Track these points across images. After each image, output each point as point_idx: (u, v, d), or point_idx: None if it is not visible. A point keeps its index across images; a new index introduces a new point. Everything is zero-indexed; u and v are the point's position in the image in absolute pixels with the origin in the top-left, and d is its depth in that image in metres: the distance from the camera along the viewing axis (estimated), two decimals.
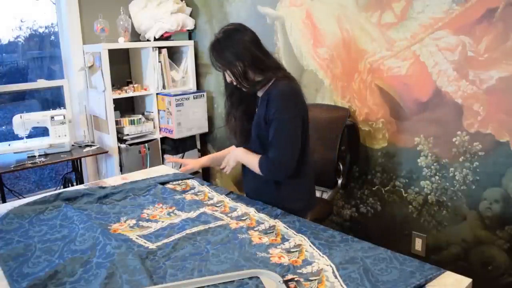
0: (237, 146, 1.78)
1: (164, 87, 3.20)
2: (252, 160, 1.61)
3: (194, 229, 1.39)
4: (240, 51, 1.54)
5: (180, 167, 1.89)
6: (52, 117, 2.72)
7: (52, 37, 3.23)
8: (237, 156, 1.68)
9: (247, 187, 1.77)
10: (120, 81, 3.17)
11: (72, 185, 2.91)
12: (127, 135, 3.06)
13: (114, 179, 1.97)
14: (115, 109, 2.99)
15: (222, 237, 1.34)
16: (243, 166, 1.73)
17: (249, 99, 1.68)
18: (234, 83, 1.59)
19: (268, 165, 1.54)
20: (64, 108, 3.06)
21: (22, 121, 2.64)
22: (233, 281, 1.10)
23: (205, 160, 1.90)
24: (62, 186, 3.05)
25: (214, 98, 3.36)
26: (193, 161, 1.91)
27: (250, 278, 1.11)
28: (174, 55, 3.37)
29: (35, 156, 2.66)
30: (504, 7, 1.75)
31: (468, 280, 1.09)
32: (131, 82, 3.21)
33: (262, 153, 1.59)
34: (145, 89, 3.19)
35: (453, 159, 2.02)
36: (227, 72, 1.58)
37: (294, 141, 1.53)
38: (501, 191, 1.89)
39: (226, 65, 1.56)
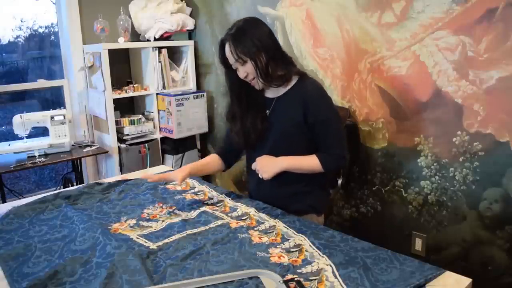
0: (249, 148, 1.67)
1: (164, 87, 3.20)
2: (307, 161, 1.55)
3: (195, 229, 1.39)
4: (264, 41, 1.47)
5: (165, 184, 1.81)
6: (52, 117, 2.72)
7: (52, 37, 3.23)
8: (281, 165, 1.53)
9: (270, 196, 1.62)
10: (120, 81, 3.17)
11: (72, 185, 2.91)
12: (127, 135, 3.06)
13: (113, 179, 1.97)
14: (115, 109, 2.98)
15: (222, 236, 1.34)
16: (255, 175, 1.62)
17: (258, 98, 1.62)
18: (250, 78, 1.52)
19: (336, 160, 1.58)
20: (64, 108, 3.06)
21: (22, 121, 2.64)
22: (233, 281, 1.10)
23: (187, 172, 1.65)
24: (62, 186, 3.05)
25: (214, 98, 3.36)
26: (176, 175, 1.63)
27: (250, 278, 1.11)
28: (174, 55, 3.37)
29: (35, 156, 2.66)
30: (504, 7, 1.75)
31: (468, 280, 1.09)
32: (131, 82, 3.20)
33: (288, 153, 1.56)
34: (145, 89, 3.19)
35: (453, 159, 2.02)
36: (247, 63, 1.48)
37: (344, 135, 1.62)
38: (501, 191, 1.89)
39: (250, 55, 1.46)
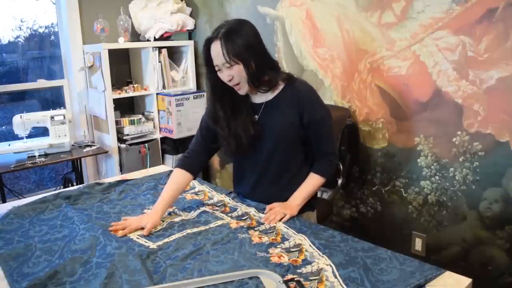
0: (242, 154, 1.59)
1: (164, 87, 3.20)
2: (310, 184, 1.57)
3: (195, 229, 1.39)
4: (255, 44, 1.45)
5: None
6: (52, 117, 2.72)
7: (52, 37, 3.23)
8: (296, 203, 1.53)
9: (267, 202, 1.56)
10: (120, 81, 3.17)
11: (72, 185, 2.91)
12: (127, 135, 3.06)
13: (113, 179, 1.97)
14: (115, 109, 2.98)
15: (222, 236, 1.34)
16: (257, 180, 1.61)
17: (245, 103, 1.56)
18: (234, 82, 1.46)
19: (329, 164, 1.61)
20: (64, 108, 3.07)
21: (22, 121, 2.64)
22: (233, 281, 1.10)
23: (158, 216, 1.46)
24: (62, 186, 3.05)
25: None
26: (151, 219, 1.43)
27: (250, 278, 1.11)
28: (174, 55, 3.37)
29: (35, 156, 2.66)
30: (504, 7, 1.75)
31: (468, 280, 1.09)
32: (131, 82, 3.20)
33: (285, 157, 1.55)
34: (145, 89, 3.19)
35: (453, 159, 2.02)
36: (236, 66, 1.42)
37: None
38: (501, 191, 1.89)
39: (241, 57, 1.41)
